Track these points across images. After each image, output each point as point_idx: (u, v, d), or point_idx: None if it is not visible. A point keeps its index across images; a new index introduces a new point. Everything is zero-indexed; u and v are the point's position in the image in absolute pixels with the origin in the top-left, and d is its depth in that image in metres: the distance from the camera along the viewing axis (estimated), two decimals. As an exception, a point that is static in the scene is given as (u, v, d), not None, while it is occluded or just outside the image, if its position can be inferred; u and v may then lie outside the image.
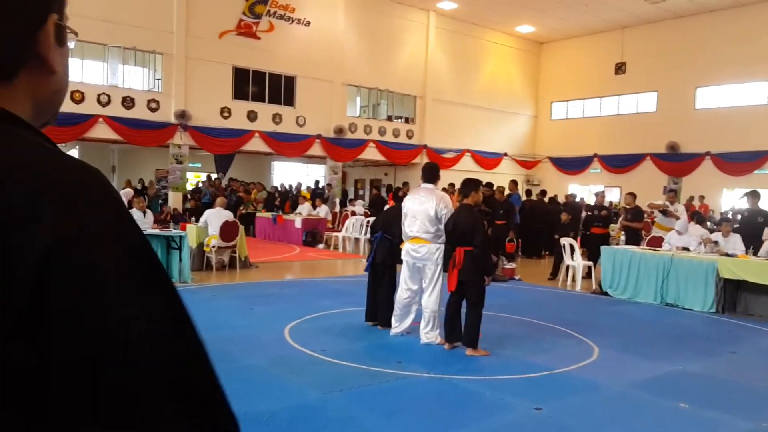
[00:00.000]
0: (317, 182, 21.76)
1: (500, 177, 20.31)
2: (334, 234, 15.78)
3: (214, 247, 10.64)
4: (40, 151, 0.70)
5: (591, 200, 15.45)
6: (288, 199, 19.19)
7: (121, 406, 0.63)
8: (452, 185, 15.08)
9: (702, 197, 20.16)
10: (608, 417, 4.48)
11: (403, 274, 6.56)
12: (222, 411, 0.74)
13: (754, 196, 11.08)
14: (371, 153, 23.18)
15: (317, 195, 18.67)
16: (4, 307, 0.60)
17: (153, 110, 18.06)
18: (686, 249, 9.74)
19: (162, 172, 22.37)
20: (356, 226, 15.22)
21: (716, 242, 9.80)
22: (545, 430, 4.20)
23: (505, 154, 27.34)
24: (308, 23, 21.09)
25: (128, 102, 17.53)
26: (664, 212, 11.77)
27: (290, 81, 20.99)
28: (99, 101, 16.92)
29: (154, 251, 0.72)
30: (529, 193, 17.28)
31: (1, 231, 0.61)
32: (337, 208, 18.85)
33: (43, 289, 0.61)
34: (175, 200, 18.56)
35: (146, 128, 17.64)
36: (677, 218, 10.92)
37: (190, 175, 21.53)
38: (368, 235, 14.61)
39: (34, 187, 0.65)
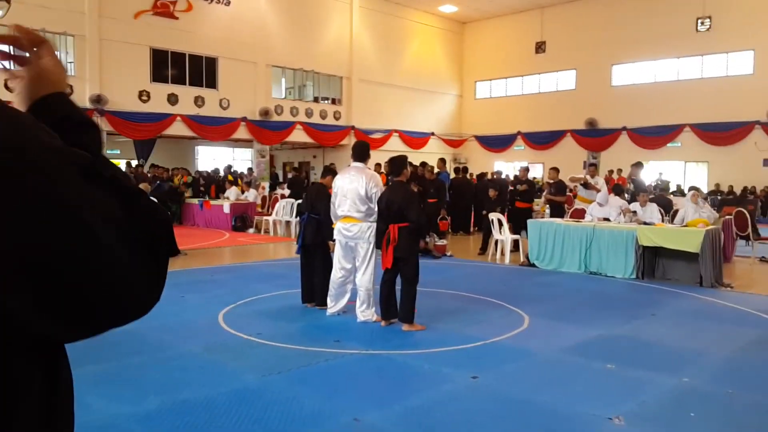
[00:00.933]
0: (250, 170, 21.34)
1: (428, 156, 20.52)
2: (264, 218, 15.56)
3: (139, 235, 10.29)
4: None
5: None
6: (213, 183, 18.75)
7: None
8: (379, 165, 15.13)
9: (620, 170, 21.02)
10: (542, 381, 4.64)
11: (336, 253, 6.54)
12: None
13: (637, 166, 12.04)
14: (299, 135, 22.96)
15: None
16: None
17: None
18: (607, 219, 10.15)
19: (79, 160, 21.36)
20: (286, 209, 15.06)
21: (635, 212, 10.25)
22: (483, 397, 4.31)
23: (432, 134, 27.66)
24: (228, 2, 20.57)
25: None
26: (585, 185, 12.21)
27: (212, 62, 20.45)
28: (6, 86, 15.95)
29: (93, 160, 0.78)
30: (456, 171, 17.54)
31: None
32: (266, 192, 18.57)
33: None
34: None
35: None
36: (598, 191, 11.36)
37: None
38: (298, 218, 14.50)
39: None
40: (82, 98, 17.46)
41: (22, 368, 0.73)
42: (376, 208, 6.22)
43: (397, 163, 6.35)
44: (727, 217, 11.26)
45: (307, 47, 22.85)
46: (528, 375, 4.79)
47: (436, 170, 14.92)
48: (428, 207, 11.78)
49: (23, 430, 0.73)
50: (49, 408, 0.78)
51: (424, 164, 12.78)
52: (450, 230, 14.70)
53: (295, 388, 4.38)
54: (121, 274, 0.74)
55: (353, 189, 6.28)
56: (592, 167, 13.34)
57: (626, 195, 11.63)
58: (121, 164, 21.89)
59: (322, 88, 24.24)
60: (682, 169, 23.03)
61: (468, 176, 17.12)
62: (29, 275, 0.66)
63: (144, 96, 18.86)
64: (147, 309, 0.82)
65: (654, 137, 23.08)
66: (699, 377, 4.77)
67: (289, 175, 19.63)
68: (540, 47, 26.45)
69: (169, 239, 0.86)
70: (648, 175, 22.69)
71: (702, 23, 22.00)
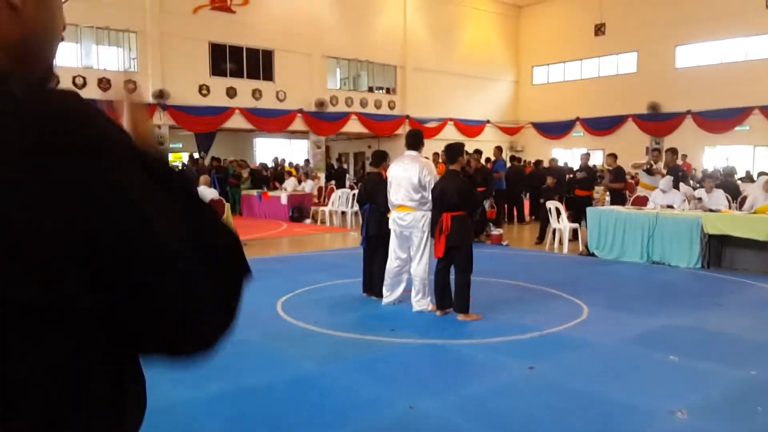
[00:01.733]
0: (307, 161, 21.63)
1: (483, 144, 20.30)
2: (321, 208, 15.74)
3: (200, 225, 10.58)
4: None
5: (575, 164, 15.56)
6: (275, 175, 19.11)
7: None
8: (436, 155, 15.06)
9: (684, 156, 20.31)
10: (601, 372, 4.55)
11: (392, 243, 6.56)
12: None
13: (673, 152, 11.74)
14: (353, 126, 23.07)
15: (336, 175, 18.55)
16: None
17: (130, 91, 17.74)
18: (671, 207, 9.83)
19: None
20: (342, 200, 15.19)
21: (700, 199, 9.89)
22: (539, 387, 4.26)
23: (488, 122, 27.33)
24: (284, -5, 20.78)
25: (104, 83, 17.23)
26: (649, 171, 11.84)
27: (268, 55, 20.74)
28: (74, 84, 16.62)
29: (163, 157, 0.79)
30: (512, 159, 17.31)
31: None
32: (323, 182, 18.77)
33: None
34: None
35: None
36: (662, 176, 11.00)
37: (170, 156, 21.32)
38: (354, 208, 14.61)
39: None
40: (145, 93, 17.99)
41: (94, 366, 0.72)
42: (431, 197, 6.20)
43: (452, 151, 6.30)
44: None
45: (361, 37, 22.89)
46: (586, 366, 4.71)
47: (493, 158, 14.75)
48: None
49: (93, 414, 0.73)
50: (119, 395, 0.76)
51: (479, 152, 12.64)
52: (505, 219, 14.54)
53: (352, 376, 4.44)
54: (187, 287, 0.72)
55: (407, 177, 6.27)
56: (656, 152, 12.89)
57: (691, 181, 11.23)
58: (184, 157, 22.53)
59: (376, 77, 24.26)
60: (751, 154, 22.04)
61: (522, 163, 16.90)
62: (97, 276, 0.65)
63: (204, 90, 19.31)
64: (211, 341, 0.78)
65: (720, 121, 22.14)
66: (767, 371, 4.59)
67: (349, 165, 19.81)
68: (599, 29, 25.70)
69: (240, 262, 0.82)
70: (713, 161, 21.88)
71: (773, 0, 20.93)
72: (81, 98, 0.69)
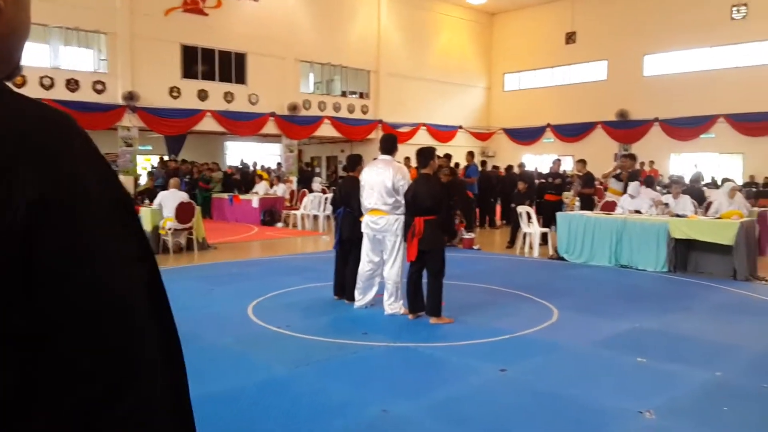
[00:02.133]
0: (279, 164, 21.53)
1: (455, 149, 20.39)
2: (293, 212, 15.67)
3: (170, 229, 10.46)
4: (4, 98, 0.65)
5: (545, 169, 15.71)
6: (243, 180, 18.96)
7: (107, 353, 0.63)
8: (408, 158, 15.11)
9: (651, 162, 20.69)
10: (571, 374, 4.60)
11: (364, 246, 6.56)
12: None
13: (632, 158, 12.09)
14: (326, 129, 23.02)
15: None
16: None
17: (99, 92, 17.52)
18: (638, 212, 10.00)
19: (111, 156, 21.74)
20: (314, 203, 15.15)
21: (666, 204, 10.08)
22: (511, 390, 4.29)
23: (460, 127, 27.50)
24: (257, -2, 20.68)
25: (73, 84, 16.96)
26: (618, 177, 12.03)
27: (241, 58, 20.61)
28: (42, 84, 16.32)
29: (133, 202, 0.71)
30: (483, 164, 17.44)
31: None
32: (295, 186, 18.69)
33: (30, 250, 0.59)
34: (125, 184, 18.10)
35: (93, 111, 17.09)
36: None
37: (140, 158, 21.03)
38: (327, 212, 14.58)
39: (6, 134, 0.61)
40: (114, 95, 17.76)
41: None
42: (404, 201, 6.22)
43: (424, 155, 6.32)
44: (763, 209, 11.01)
45: (335, 41, 22.88)
46: (557, 368, 4.76)
47: (465, 163, 14.83)
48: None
49: None
50: None
51: (448, 156, 12.65)
52: (477, 223, 14.63)
53: (324, 380, 4.42)
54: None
55: (380, 181, 6.28)
56: (625, 158, 13.03)
57: (657, 187, 11.43)
58: (153, 159, 22.25)
59: (349, 82, 24.26)
60: (716, 161, 22.53)
61: (491, 169, 17.05)
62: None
63: (175, 92, 19.09)
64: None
65: (687, 128, 22.60)
66: (732, 371, 4.68)
67: (322, 169, 19.70)
68: (570, 38, 26.08)
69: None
70: (679, 168, 22.32)
71: (737, 11, 21.45)
72: (73, 129, 0.67)
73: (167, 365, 0.69)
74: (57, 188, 0.61)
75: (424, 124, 25.72)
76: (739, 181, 17.90)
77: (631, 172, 11.80)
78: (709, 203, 10.84)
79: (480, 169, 15.73)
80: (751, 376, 4.60)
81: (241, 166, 21.39)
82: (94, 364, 0.62)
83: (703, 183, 17.31)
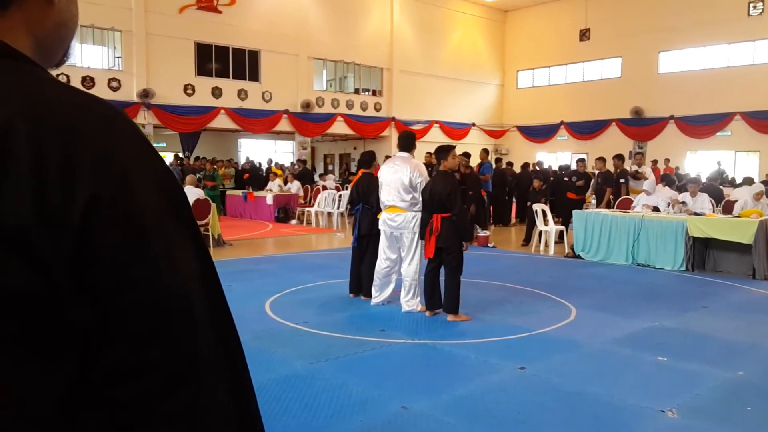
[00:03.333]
0: (296, 161, 21.50)
1: (469, 147, 20.34)
2: (307, 209, 15.70)
3: (186, 225, 10.50)
4: (57, 88, 0.64)
5: (565, 167, 15.60)
6: (259, 175, 18.99)
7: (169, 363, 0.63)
8: (429, 154, 15.05)
9: (667, 160, 20.53)
10: (591, 372, 4.58)
11: (381, 243, 6.56)
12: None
13: (618, 158, 12.05)
14: (339, 127, 23.04)
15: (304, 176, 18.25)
16: (53, 264, 0.58)
17: (114, 89, 17.62)
18: (656, 209, 9.93)
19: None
20: (328, 201, 15.16)
21: (684, 202, 10.01)
22: (530, 387, 4.28)
23: (473, 124, 27.42)
24: (271, -5, 20.71)
25: (88, 82, 17.07)
26: (635, 176, 11.96)
27: (254, 56, 20.65)
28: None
29: (188, 201, 0.70)
30: (498, 161, 17.38)
31: (37, 182, 0.57)
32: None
33: (89, 244, 0.59)
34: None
35: None
36: (646, 179, 11.12)
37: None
38: (340, 209, 14.59)
39: (62, 128, 0.60)
40: (130, 93, 17.87)
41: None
42: (421, 198, 6.21)
43: (442, 152, 6.31)
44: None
45: (348, 39, 22.88)
46: (576, 366, 4.74)
47: (480, 161, 14.78)
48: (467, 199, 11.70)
49: None
50: None
51: (467, 154, 12.65)
52: (491, 221, 14.59)
53: (343, 376, 4.42)
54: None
55: (398, 179, 6.28)
56: (639, 155, 12.98)
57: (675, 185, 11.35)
58: (168, 156, 22.37)
59: (362, 79, 24.25)
60: (732, 159, 22.32)
61: (505, 166, 16.98)
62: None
63: (189, 90, 19.17)
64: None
65: (703, 126, 22.41)
66: (754, 371, 4.64)
67: (335, 167, 19.67)
68: (584, 35, 25.91)
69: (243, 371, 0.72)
70: (697, 166, 22.14)
71: (754, 7, 21.21)
72: (126, 124, 0.66)
73: (228, 365, 0.69)
74: (111, 186, 0.60)
75: (437, 122, 25.68)
76: (756, 180, 17.73)
77: (619, 172, 11.79)
78: (727, 201, 10.76)
79: (494, 166, 15.66)
80: (773, 375, 4.56)
81: (248, 165, 21.35)
82: (150, 357, 0.61)
83: (720, 180, 17.17)
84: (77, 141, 0.60)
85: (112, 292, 0.60)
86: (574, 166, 12.75)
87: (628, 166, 12.83)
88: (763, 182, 19.07)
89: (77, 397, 0.60)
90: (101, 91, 17.20)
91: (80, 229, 0.58)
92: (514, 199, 16.19)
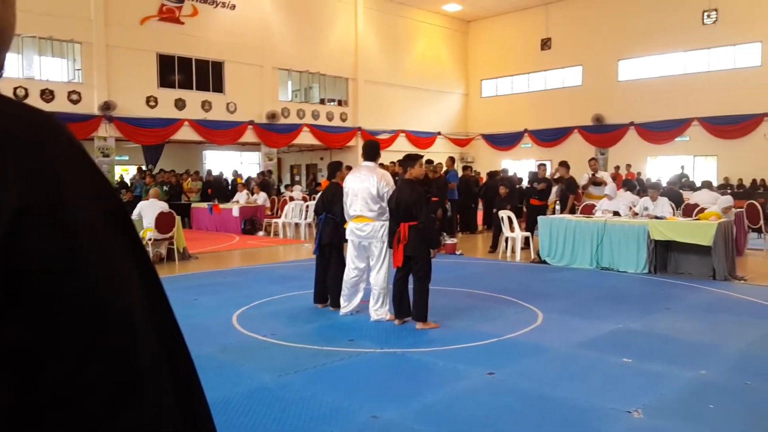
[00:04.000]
0: (266, 172, 21.31)
1: (435, 156, 20.47)
2: (274, 220, 15.59)
3: (150, 239, 10.35)
4: None
5: (525, 174, 15.79)
6: (221, 188, 18.76)
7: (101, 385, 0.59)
8: (393, 163, 15.11)
9: (628, 166, 20.95)
10: (558, 376, 4.63)
11: (350, 253, 6.55)
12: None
13: (565, 165, 12.10)
14: (305, 137, 22.99)
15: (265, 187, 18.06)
16: None
17: (75, 102, 17.31)
18: (617, 213, 10.11)
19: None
20: (295, 212, 15.09)
21: (646, 207, 10.20)
22: (499, 392, 4.30)
23: (439, 133, 27.63)
24: (233, 6, 20.63)
25: (47, 95, 16.75)
26: (595, 183, 12.17)
27: (218, 67, 20.51)
28: (15, 95, 16.05)
29: (126, 208, 0.68)
30: (465, 169, 17.53)
31: None
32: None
33: (18, 259, 0.55)
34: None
35: (68, 121, 16.48)
36: (606, 184, 11.35)
37: (117, 168, 20.82)
38: (308, 220, 14.53)
39: None
40: (90, 105, 17.57)
41: None
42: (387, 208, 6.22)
43: (408, 161, 6.34)
44: (739, 209, 11.20)
45: (313, 49, 22.88)
46: (544, 370, 4.78)
47: (445, 168, 14.88)
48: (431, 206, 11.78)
49: None
50: None
51: (430, 161, 12.74)
52: (458, 229, 14.70)
53: (312, 387, 4.39)
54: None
55: (364, 188, 6.28)
56: (593, 161, 13.12)
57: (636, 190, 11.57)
58: (131, 170, 22.02)
59: (328, 89, 24.26)
60: (692, 163, 22.90)
61: (473, 174, 17.15)
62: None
63: (152, 101, 18.93)
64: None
65: (662, 132, 22.95)
66: (717, 370, 4.75)
67: (302, 177, 19.50)
68: (545, 44, 26.37)
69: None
70: (659, 171, 22.65)
71: (708, 16, 21.87)
72: (59, 131, 0.63)
73: (175, 374, 0.67)
74: (41, 197, 0.57)
75: (403, 131, 25.81)
76: (715, 183, 18.20)
77: (566, 179, 12.02)
78: (687, 205, 11.03)
79: (460, 174, 15.79)
80: (734, 373, 4.67)
81: (212, 178, 21.01)
82: (91, 376, 0.57)
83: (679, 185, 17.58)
84: (5, 151, 0.57)
85: (44, 310, 0.56)
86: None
87: (587, 171, 13.01)
88: (720, 186, 19.64)
89: (13, 423, 0.55)
90: (61, 104, 16.89)
91: (7, 243, 0.55)
92: (480, 207, 16.35)
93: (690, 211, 10.94)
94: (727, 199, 10.63)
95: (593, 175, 12.31)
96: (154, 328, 0.65)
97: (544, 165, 12.48)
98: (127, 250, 0.64)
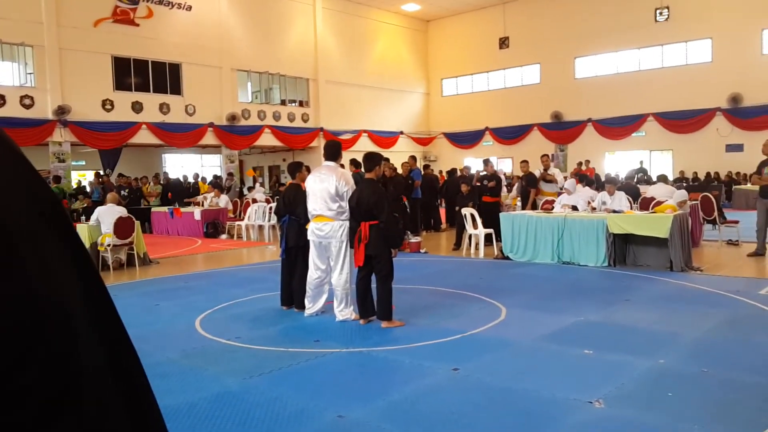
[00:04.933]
0: (219, 175, 21.08)
1: (398, 155, 20.55)
2: (237, 223, 15.43)
3: (108, 245, 10.14)
4: None
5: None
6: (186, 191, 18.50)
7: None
8: (353, 160, 15.10)
9: (587, 161, 21.33)
10: (522, 369, 4.69)
11: (311, 254, 6.51)
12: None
13: (525, 162, 12.62)
14: (267, 139, 22.83)
15: (217, 186, 17.92)
16: None
17: (27, 107, 16.87)
18: (575, 208, 10.29)
19: (43, 172, 20.95)
20: (258, 214, 14.97)
21: (603, 202, 10.40)
22: (464, 387, 4.34)
23: (401, 132, 27.72)
24: (189, 7, 20.36)
25: (-2, 100, 16.26)
26: (545, 179, 12.34)
27: (176, 68, 20.22)
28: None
29: (62, 205, 0.67)
30: (426, 168, 17.62)
31: None
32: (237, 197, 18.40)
33: None
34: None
35: (21, 126, 16.45)
36: (556, 181, 11.54)
37: (74, 174, 20.36)
38: (272, 222, 14.42)
39: None
40: (44, 110, 17.13)
41: None
42: (348, 207, 6.22)
43: (370, 161, 6.34)
44: (693, 202, 11.49)
45: (272, 50, 22.72)
46: (508, 364, 4.84)
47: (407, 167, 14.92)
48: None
49: None
50: None
51: (386, 159, 12.75)
52: (422, 227, 14.76)
53: (278, 389, 4.36)
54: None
55: (324, 188, 6.26)
56: (545, 157, 13.12)
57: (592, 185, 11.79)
58: (88, 175, 21.55)
59: (288, 90, 24.13)
60: (648, 158, 23.44)
61: (436, 172, 17.24)
62: None
63: (107, 105, 18.56)
64: None
65: (619, 128, 23.46)
66: (674, 358, 4.86)
67: (264, 179, 19.34)
68: (504, 43, 26.68)
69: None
70: (617, 165, 23.11)
71: (660, 13, 22.42)
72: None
73: (118, 374, 0.65)
74: None
75: (365, 131, 25.82)
76: (670, 177, 18.67)
77: (525, 175, 12.28)
78: (644, 198, 11.26)
79: (423, 172, 15.86)
80: (691, 361, 4.79)
81: (169, 182, 20.63)
82: (26, 382, 0.56)
83: (636, 179, 17.97)
84: None
85: None
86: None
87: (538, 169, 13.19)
88: (676, 179, 20.14)
89: None
90: (13, 109, 16.43)
91: None
92: (443, 205, 16.45)
93: (647, 204, 11.19)
94: (682, 194, 10.90)
95: (544, 171, 12.46)
96: (94, 326, 0.63)
97: (489, 160, 12.61)
98: (61, 245, 0.63)
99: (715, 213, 11.63)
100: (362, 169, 6.71)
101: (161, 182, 18.94)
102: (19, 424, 0.56)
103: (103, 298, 0.66)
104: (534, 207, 11.89)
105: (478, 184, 12.42)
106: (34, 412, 0.56)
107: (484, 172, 12.93)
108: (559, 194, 11.36)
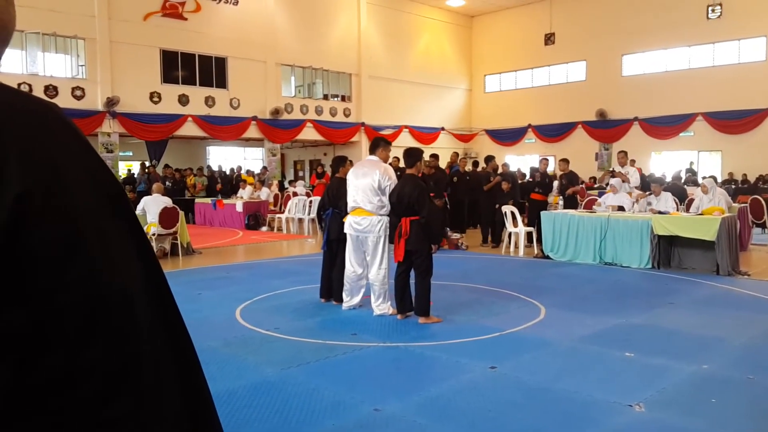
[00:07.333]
0: (265, 168, 21.37)
1: (438, 151, 20.44)
2: (277, 216, 15.61)
3: (153, 234, 10.37)
4: None
5: (526, 169, 15.75)
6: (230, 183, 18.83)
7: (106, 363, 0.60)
8: (397, 159, 15.10)
9: (633, 161, 20.87)
10: (560, 370, 4.64)
11: (348, 248, 6.54)
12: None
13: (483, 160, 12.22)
14: (309, 133, 22.98)
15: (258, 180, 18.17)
16: None
17: (78, 98, 17.34)
18: (621, 208, 10.09)
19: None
20: (299, 207, 15.11)
21: (649, 203, 10.19)
22: (501, 386, 4.31)
23: (442, 129, 27.58)
24: (236, 2, 20.61)
25: (51, 91, 16.76)
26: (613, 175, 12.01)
27: (221, 62, 20.51)
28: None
29: (125, 192, 0.69)
30: (475, 165, 17.46)
31: None
32: (278, 190, 18.61)
33: (19, 244, 0.56)
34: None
35: (72, 117, 16.35)
36: (629, 181, 11.10)
37: (121, 164, 20.87)
38: (311, 215, 14.54)
39: None
40: (94, 101, 17.60)
41: None
42: (388, 202, 6.22)
43: (411, 156, 6.34)
44: (743, 205, 11.17)
45: (316, 45, 22.86)
46: (546, 364, 4.79)
47: (450, 163, 14.87)
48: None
49: None
50: None
51: (435, 156, 12.73)
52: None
53: (315, 381, 4.41)
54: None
55: (366, 182, 6.28)
56: (622, 154, 12.48)
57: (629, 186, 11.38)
58: (135, 165, 22.06)
59: (331, 85, 24.24)
60: (696, 159, 22.83)
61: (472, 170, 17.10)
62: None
63: (155, 97, 18.95)
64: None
65: (666, 127, 22.88)
66: (719, 364, 4.75)
67: (305, 173, 19.47)
68: (549, 39, 26.27)
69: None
70: (664, 166, 22.59)
71: (713, 11, 21.77)
72: (56, 118, 0.64)
73: (174, 355, 0.68)
74: (41, 183, 0.58)
75: (406, 126, 25.77)
76: (719, 179, 18.15)
77: (566, 173, 12.00)
78: (691, 200, 10.99)
79: (470, 169, 15.75)
80: (736, 367, 4.67)
81: (219, 174, 21.03)
82: (89, 361, 0.58)
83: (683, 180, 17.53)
84: (4, 139, 0.58)
85: (45, 294, 0.57)
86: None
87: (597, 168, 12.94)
88: (725, 181, 19.57)
89: (13, 407, 0.56)
90: (65, 100, 16.91)
91: (8, 229, 0.56)
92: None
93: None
94: (722, 192, 10.58)
95: (620, 169, 11.90)
96: (154, 311, 0.66)
97: (546, 159, 12.42)
98: (126, 234, 0.65)
99: (765, 216, 11.29)
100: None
101: (205, 174, 19.28)
102: (85, 399, 0.58)
103: (161, 283, 0.69)
104: (574, 206, 11.69)
105: (530, 180, 12.22)
106: (98, 386, 0.59)
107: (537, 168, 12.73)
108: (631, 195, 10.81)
